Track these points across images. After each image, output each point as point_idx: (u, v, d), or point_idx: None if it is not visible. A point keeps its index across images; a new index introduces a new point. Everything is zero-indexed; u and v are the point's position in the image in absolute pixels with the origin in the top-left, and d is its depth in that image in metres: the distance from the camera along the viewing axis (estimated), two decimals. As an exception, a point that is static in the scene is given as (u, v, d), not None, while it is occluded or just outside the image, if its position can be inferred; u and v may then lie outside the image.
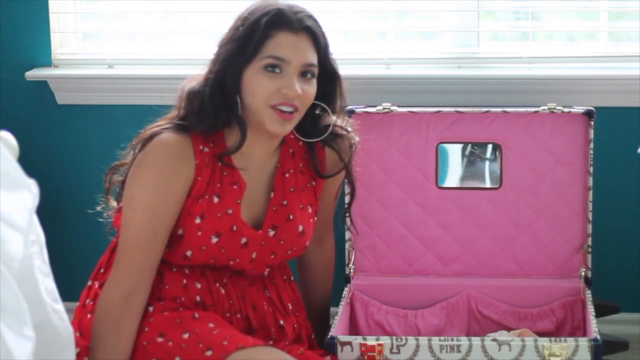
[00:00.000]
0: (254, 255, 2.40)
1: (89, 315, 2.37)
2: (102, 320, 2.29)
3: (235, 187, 2.37)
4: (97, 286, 2.42)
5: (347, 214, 2.69)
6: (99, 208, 2.50)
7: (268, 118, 2.31)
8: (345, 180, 2.59)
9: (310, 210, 2.47)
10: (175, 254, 2.37)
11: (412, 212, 2.84)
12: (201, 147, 2.34)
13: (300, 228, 2.44)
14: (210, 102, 2.33)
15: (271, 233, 2.41)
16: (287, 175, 2.44)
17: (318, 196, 2.50)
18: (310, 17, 2.37)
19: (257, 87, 2.31)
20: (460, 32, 3.13)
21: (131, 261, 2.30)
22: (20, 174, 1.75)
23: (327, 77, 2.41)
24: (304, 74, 2.34)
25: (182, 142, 2.33)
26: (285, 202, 2.43)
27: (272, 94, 2.30)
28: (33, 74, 3.17)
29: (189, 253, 2.36)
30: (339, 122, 2.48)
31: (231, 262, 2.39)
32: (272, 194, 2.42)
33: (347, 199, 2.69)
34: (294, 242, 2.44)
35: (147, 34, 3.33)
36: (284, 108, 2.31)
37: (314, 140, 2.45)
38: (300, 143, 2.47)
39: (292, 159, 2.45)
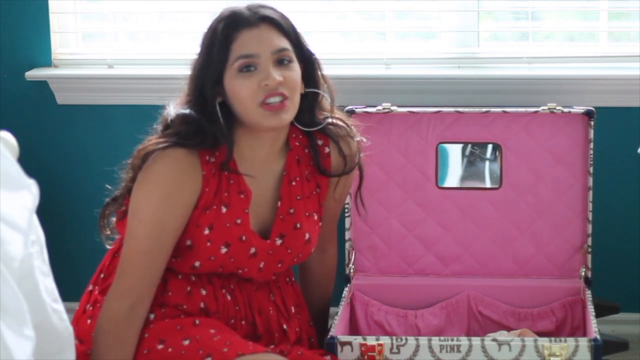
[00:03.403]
0: (261, 265, 2.39)
1: (88, 321, 2.36)
2: (105, 333, 2.27)
3: (242, 196, 2.36)
4: (97, 292, 2.41)
5: (356, 197, 2.66)
6: (108, 246, 2.48)
7: (261, 117, 2.30)
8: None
9: (315, 218, 2.46)
10: (183, 264, 2.35)
11: (412, 212, 2.84)
12: (207, 158, 2.33)
13: (307, 236, 2.43)
14: (203, 122, 2.32)
15: (278, 242, 2.39)
16: (293, 183, 2.42)
17: (322, 203, 2.49)
18: (265, 7, 2.37)
19: (239, 91, 2.30)
20: (460, 32, 3.13)
21: (135, 273, 2.28)
22: (20, 174, 1.75)
23: (305, 61, 2.40)
24: (280, 62, 2.32)
25: (188, 154, 2.31)
26: (292, 211, 2.41)
27: (255, 92, 2.29)
28: (33, 74, 3.17)
29: (197, 263, 2.35)
30: (338, 115, 2.48)
31: (239, 271, 2.38)
32: (279, 203, 2.41)
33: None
34: (301, 249, 2.43)
35: (147, 34, 3.33)
36: (272, 100, 2.29)
37: (314, 129, 2.43)
38: (306, 150, 2.46)
39: (298, 166, 2.44)
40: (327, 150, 2.47)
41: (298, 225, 2.41)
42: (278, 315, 2.45)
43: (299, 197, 2.43)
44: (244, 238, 2.35)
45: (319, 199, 2.47)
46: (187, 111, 2.34)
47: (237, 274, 2.39)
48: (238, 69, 2.30)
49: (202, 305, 2.36)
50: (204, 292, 2.37)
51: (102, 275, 2.43)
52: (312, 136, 2.45)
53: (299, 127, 2.42)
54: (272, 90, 2.29)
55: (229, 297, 2.39)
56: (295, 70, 2.35)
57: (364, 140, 2.56)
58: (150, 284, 2.30)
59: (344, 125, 2.49)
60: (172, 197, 2.29)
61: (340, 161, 2.48)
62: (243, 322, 2.40)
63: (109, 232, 2.46)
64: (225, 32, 2.32)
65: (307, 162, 2.45)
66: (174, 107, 2.38)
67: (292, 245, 2.41)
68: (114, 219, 2.44)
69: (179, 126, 2.34)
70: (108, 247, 2.47)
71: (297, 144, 2.45)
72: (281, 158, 2.43)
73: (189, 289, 2.37)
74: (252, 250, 2.36)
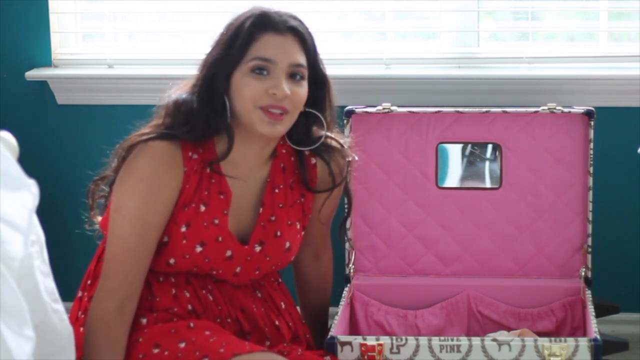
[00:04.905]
0: (238, 270, 2.37)
1: (81, 329, 2.34)
2: (95, 334, 2.26)
3: (222, 197, 2.34)
4: (86, 298, 2.39)
5: (343, 229, 2.66)
6: (86, 227, 2.49)
7: (257, 119, 2.28)
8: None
9: (298, 227, 2.44)
10: (158, 261, 2.34)
11: (412, 212, 2.84)
12: (190, 154, 2.31)
13: (287, 244, 2.41)
14: (199, 111, 2.31)
15: (257, 248, 2.38)
16: (276, 190, 2.41)
17: (307, 212, 2.47)
18: (296, 19, 2.36)
19: (245, 89, 2.28)
20: (460, 32, 3.13)
21: (122, 271, 2.27)
22: (20, 174, 1.75)
23: (317, 82, 2.38)
24: (292, 76, 2.31)
25: (171, 148, 2.30)
26: (273, 218, 2.40)
27: (260, 96, 2.28)
28: (33, 74, 3.17)
29: (172, 261, 2.33)
30: (334, 135, 2.46)
31: (214, 272, 2.36)
32: (260, 209, 2.39)
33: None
34: (280, 258, 2.42)
35: (147, 34, 3.33)
36: (273, 110, 2.28)
37: (305, 149, 2.43)
38: (292, 158, 2.44)
39: (283, 174, 2.42)
40: (313, 161, 2.46)
41: (279, 233, 2.40)
42: (267, 311, 2.44)
43: (281, 205, 2.41)
44: (220, 239, 2.33)
45: (303, 208, 2.46)
46: (187, 96, 2.33)
47: (212, 275, 2.37)
48: (251, 68, 2.29)
49: (189, 307, 2.35)
50: (187, 294, 2.36)
51: (89, 282, 2.42)
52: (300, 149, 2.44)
53: (291, 144, 2.41)
54: (277, 102, 2.28)
55: (210, 297, 2.38)
56: (304, 88, 2.34)
57: (356, 158, 2.55)
58: (136, 282, 2.28)
59: (337, 144, 2.47)
60: (155, 192, 2.27)
61: (326, 178, 2.46)
62: (229, 320, 2.39)
63: (96, 212, 2.45)
64: (251, 29, 2.30)
65: (292, 171, 2.44)
66: (174, 92, 2.36)
67: (271, 253, 2.39)
68: (102, 201, 2.44)
69: (173, 112, 2.33)
70: (87, 227, 2.47)
71: (284, 151, 2.43)
72: (266, 164, 2.41)
73: (174, 291, 2.36)
74: (228, 252, 2.34)
